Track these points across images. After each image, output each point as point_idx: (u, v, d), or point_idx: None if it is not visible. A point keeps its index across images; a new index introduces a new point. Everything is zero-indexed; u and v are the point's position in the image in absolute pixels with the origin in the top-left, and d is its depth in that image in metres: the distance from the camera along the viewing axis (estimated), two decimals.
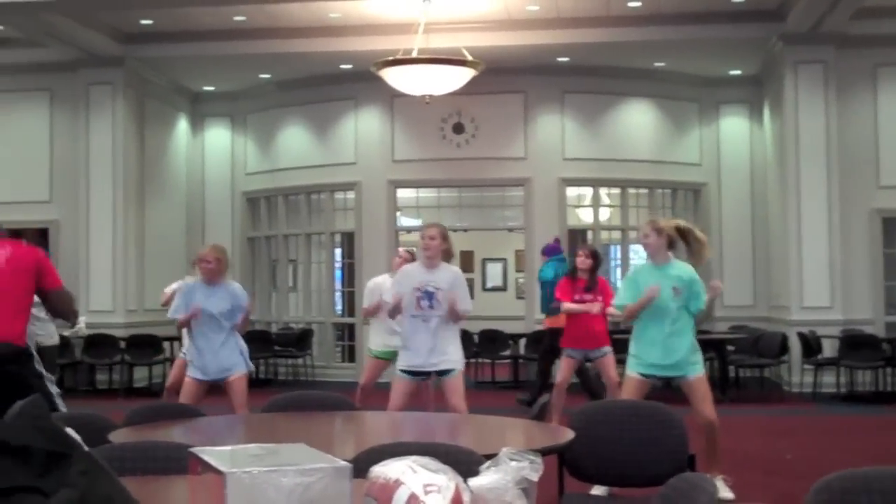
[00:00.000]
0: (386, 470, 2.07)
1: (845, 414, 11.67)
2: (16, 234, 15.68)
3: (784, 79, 13.57)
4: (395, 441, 4.42)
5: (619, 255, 16.20)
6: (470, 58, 11.80)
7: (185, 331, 8.28)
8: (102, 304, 14.27)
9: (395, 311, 7.18)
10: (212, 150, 16.63)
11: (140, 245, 14.88)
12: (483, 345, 14.51)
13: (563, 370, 9.59)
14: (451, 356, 7.10)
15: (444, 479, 2.06)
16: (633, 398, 6.62)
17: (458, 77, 11.91)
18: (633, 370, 6.84)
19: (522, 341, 14.69)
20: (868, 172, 13.90)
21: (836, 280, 13.39)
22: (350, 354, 15.89)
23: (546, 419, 5.47)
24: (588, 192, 15.67)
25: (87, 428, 3.47)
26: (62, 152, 14.96)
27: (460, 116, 14.98)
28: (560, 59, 14.45)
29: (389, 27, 13.08)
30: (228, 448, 2.12)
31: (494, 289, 20.97)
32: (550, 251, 12.58)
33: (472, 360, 14.47)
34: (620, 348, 8.89)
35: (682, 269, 6.94)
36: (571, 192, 15.50)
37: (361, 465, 2.17)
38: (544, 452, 3.06)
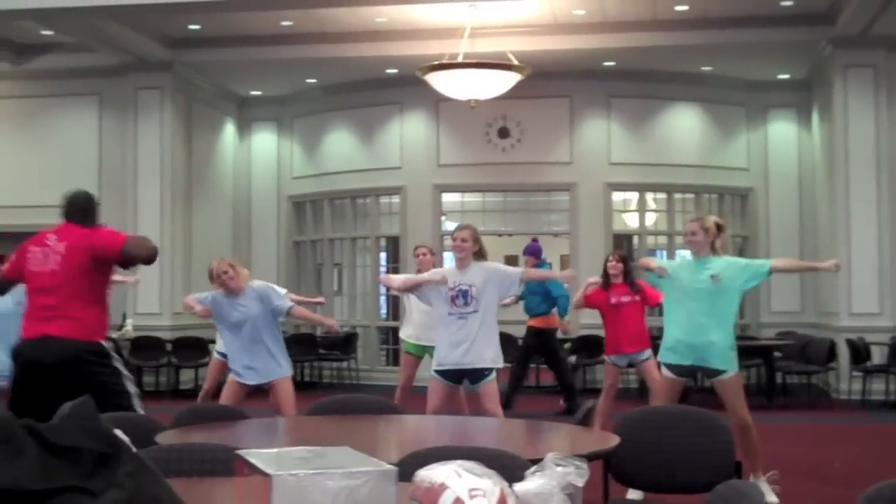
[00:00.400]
0: (431, 474, 2.07)
1: (895, 422, 11.53)
2: None
3: (833, 83, 13.44)
4: (440, 445, 4.42)
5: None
6: (515, 62, 11.79)
7: (218, 331, 8.35)
8: (149, 307, 14.39)
9: (411, 286, 7.29)
10: (258, 154, 16.73)
11: (187, 248, 14.99)
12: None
13: (608, 376, 9.51)
14: (488, 356, 7.02)
15: (489, 484, 2.06)
16: (664, 399, 6.65)
17: (504, 81, 11.89)
18: (661, 360, 6.93)
19: (567, 346, 14.62)
20: None
21: (886, 286, 13.24)
22: (394, 358, 15.90)
23: (590, 424, 5.44)
24: (634, 196, 15.59)
25: (134, 429, 3.50)
26: (111, 156, 15.11)
27: (506, 121, 14.97)
28: (606, 64, 14.40)
29: (435, 32, 13.10)
30: (274, 450, 2.13)
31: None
32: (537, 252, 12.52)
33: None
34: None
35: (721, 260, 6.95)
36: (617, 196, 15.43)
37: (406, 469, 2.17)
38: (589, 458, 3.04)
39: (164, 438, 4.29)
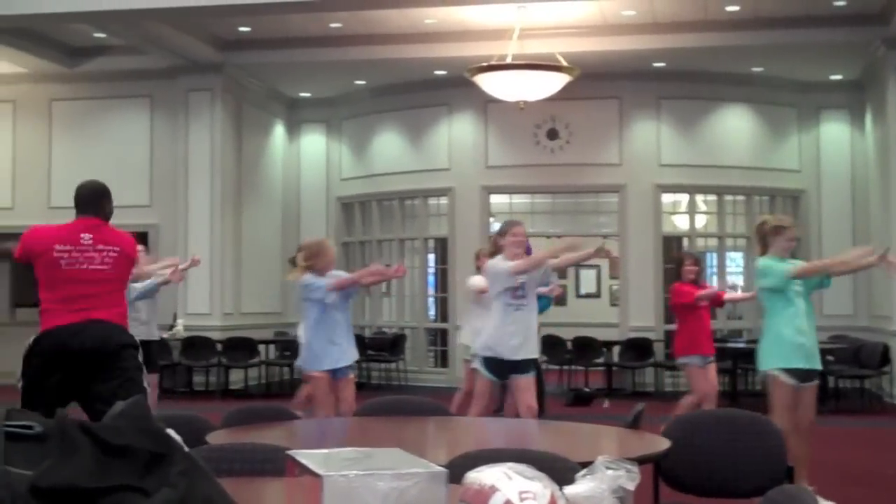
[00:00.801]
0: (481, 476, 2.06)
1: None
2: None
3: (887, 83, 13.26)
4: (488, 447, 4.41)
5: (715, 262, 15.97)
6: (565, 63, 11.76)
7: (301, 328, 8.30)
8: (200, 307, 14.51)
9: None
10: (307, 155, 16.82)
11: (236, 249, 15.10)
12: (576, 352, 14.43)
13: (704, 379, 9.20)
14: (535, 347, 7.28)
15: (539, 487, 2.05)
16: (788, 409, 6.51)
17: (553, 83, 11.86)
18: (783, 366, 6.67)
19: (616, 349, 14.58)
20: None
21: None
22: (443, 359, 15.92)
23: (640, 427, 5.41)
24: (684, 198, 15.50)
25: (185, 428, 3.52)
26: (162, 157, 15.25)
27: (554, 122, 14.93)
28: (656, 65, 14.33)
29: (484, 33, 13.09)
30: (324, 451, 2.14)
31: (588, 296, 20.86)
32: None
33: (565, 368, 14.43)
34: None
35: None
36: (667, 198, 15.35)
37: (456, 471, 2.16)
38: (640, 461, 3.02)
39: (215, 438, 4.31)
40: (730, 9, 12.57)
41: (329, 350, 7.40)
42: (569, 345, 14.36)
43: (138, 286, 8.40)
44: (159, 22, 12.84)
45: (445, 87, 14.98)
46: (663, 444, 4.36)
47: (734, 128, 15.15)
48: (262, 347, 14.63)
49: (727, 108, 15.13)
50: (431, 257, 16.69)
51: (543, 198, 15.83)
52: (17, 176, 15.18)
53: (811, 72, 14.73)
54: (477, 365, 7.28)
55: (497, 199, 15.71)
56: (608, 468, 2.22)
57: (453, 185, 15.32)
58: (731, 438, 4.70)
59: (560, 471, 2.59)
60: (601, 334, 14.96)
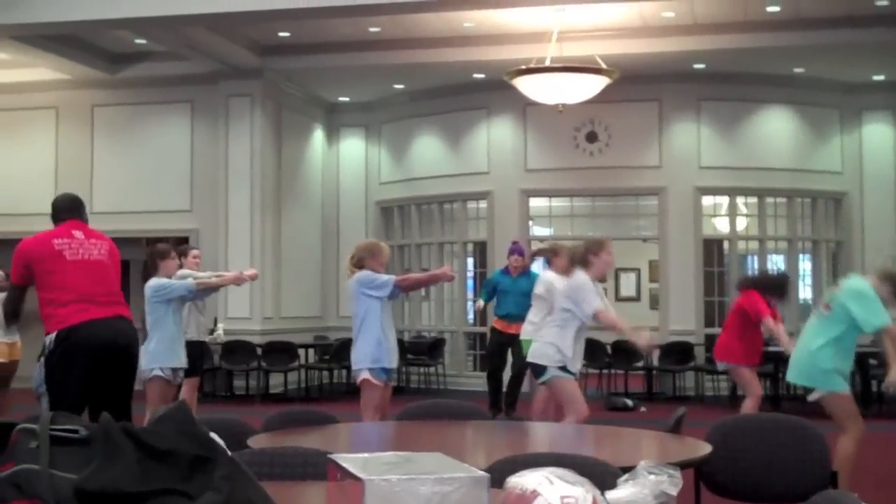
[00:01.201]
0: (522, 480, 2.05)
1: None
2: (157, 242, 16.15)
3: None
4: (528, 451, 4.39)
5: (755, 265, 15.86)
6: (604, 65, 11.72)
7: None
8: (240, 312, 14.58)
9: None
10: (346, 159, 16.86)
11: (276, 253, 15.17)
12: (616, 356, 14.36)
13: (756, 383, 9.14)
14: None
15: (581, 492, 2.04)
16: (856, 414, 6.60)
17: (592, 85, 11.84)
18: (843, 388, 6.76)
19: (656, 353, 14.47)
20: None
21: None
22: (481, 363, 15.89)
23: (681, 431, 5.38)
24: (724, 200, 15.39)
25: (226, 432, 3.54)
26: (202, 162, 15.34)
27: (594, 125, 14.89)
28: (696, 66, 14.25)
29: (523, 36, 13.08)
30: (365, 455, 2.14)
31: (627, 299, 20.75)
32: (522, 250, 12.15)
33: (605, 371, 14.37)
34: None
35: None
36: (707, 201, 15.25)
37: (496, 475, 2.16)
38: (681, 466, 3.00)
39: (256, 442, 4.33)
40: (770, 9, 12.48)
41: (386, 349, 7.31)
42: (608, 349, 14.29)
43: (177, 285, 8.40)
44: (200, 28, 12.92)
45: (484, 91, 14.98)
46: (705, 448, 4.33)
47: (775, 129, 15.03)
48: (301, 351, 14.67)
49: (768, 110, 15.02)
50: (470, 261, 16.68)
51: (583, 201, 15.78)
52: (59, 181, 15.31)
53: (853, 72, 14.59)
54: (559, 371, 7.20)
55: (536, 203, 15.68)
56: (650, 473, 2.21)
57: (492, 189, 15.31)
58: (773, 443, 4.67)
59: (601, 475, 2.58)
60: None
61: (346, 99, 16.52)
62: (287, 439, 4.49)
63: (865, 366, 12.53)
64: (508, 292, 11.65)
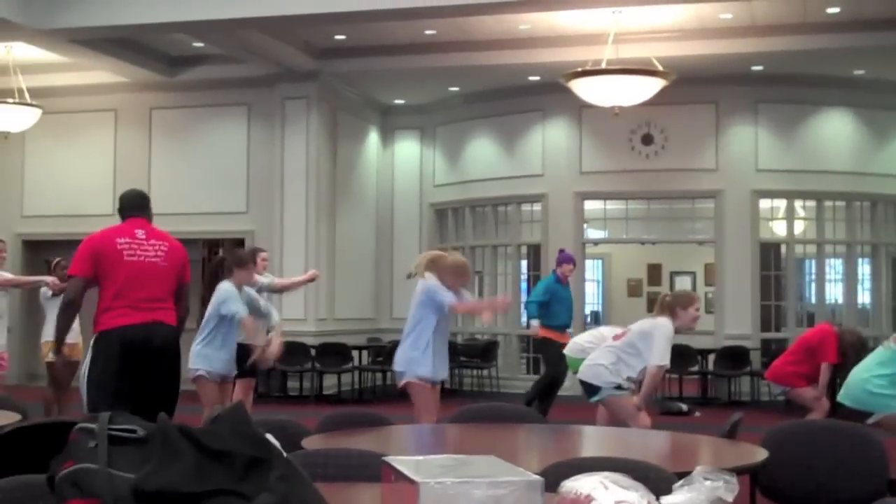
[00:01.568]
0: (577, 485, 2.04)
1: None
2: (214, 244, 16.27)
3: None
4: (581, 455, 4.38)
5: (813, 270, 15.67)
6: (660, 68, 11.65)
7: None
8: (295, 313, 14.64)
9: None
10: (401, 162, 16.90)
11: (331, 255, 15.24)
12: (671, 360, 14.21)
13: (822, 401, 9.10)
14: None
15: (636, 497, 2.02)
16: None
17: (648, 87, 11.76)
18: None
19: (711, 357, 14.37)
20: None
21: None
22: (535, 366, 15.85)
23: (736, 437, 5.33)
24: (782, 204, 15.23)
25: (281, 433, 3.56)
26: (258, 165, 15.45)
27: (649, 127, 14.80)
28: (754, 68, 14.11)
29: (579, 38, 13.03)
30: (420, 458, 2.14)
31: None
32: (571, 259, 12.04)
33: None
34: None
35: None
36: (764, 204, 15.09)
37: (550, 479, 2.15)
38: (737, 472, 2.97)
39: (310, 443, 4.35)
40: (830, 10, 12.33)
41: (437, 360, 7.24)
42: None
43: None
44: (256, 31, 13.01)
45: (539, 93, 14.94)
46: (761, 454, 4.29)
47: (834, 132, 14.85)
48: (355, 353, 14.73)
49: (827, 112, 14.84)
50: (524, 263, 16.64)
51: (638, 204, 15.69)
52: (117, 183, 15.47)
53: None
54: (614, 390, 7.20)
55: (591, 206, 15.61)
56: (706, 479, 2.19)
57: (547, 191, 15.27)
58: (830, 450, 4.61)
59: (656, 481, 2.56)
60: (696, 342, 14.73)
61: (402, 101, 16.56)
62: (341, 441, 4.51)
63: None
64: (563, 301, 11.67)
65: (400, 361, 7.22)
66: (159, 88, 15.63)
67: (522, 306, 16.39)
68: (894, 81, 14.62)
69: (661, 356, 6.95)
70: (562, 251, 12.34)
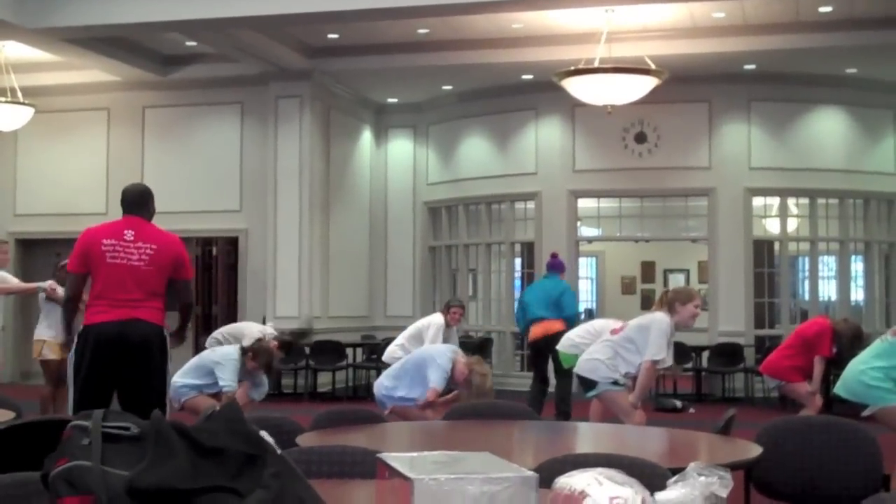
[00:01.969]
0: (571, 481, 2.05)
1: None
2: (208, 242, 16.25)
3: None
4: (576, 452, 4.38)
5: (807, 267, 15.70)
6: (653, 66, 11.65)
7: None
8: (288, 311, 14.66)
9: None
10: (395, 160, 16.90)
11: (324, 253, 15.23)
12: (673, 358, 14.23)
13: (816, 397, 9.10)
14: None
15: (630, 493, 2.03)
16: None
17: (641, 86, 11.76)
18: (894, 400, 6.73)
19: (705, 354, 14.39)
20: None
21: None
22: (528, 364, 15.84)
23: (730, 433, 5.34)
24: (775, 201, 15.26)
25: (276, 430, 3.56)
26: (252, 163, 15.44)
27: (643, 126, 14.81)
28: (746, 67, 14.12)
29: (571, 37, 13.03)
30: (414, 454, 2.14)
31: None
32: (561, 266, 12.07)
33: None
34: None
35: None
36: (757, 201, 15.11)
37: (545, 475, 2.15)
38: (731, 467, 2.98)
39: (305, 440, 4.35)
40: (822, 9, 12.34)
41: None
42: None
43: None
44: (249, 30, 13.00)
45: (533, 92, 14.94)
46: (755, 450, 4.30)
47: (827, 130, 14.88)
48: (349, 351, 14.73)
49: (820, 111, 14.87)
50: (518, 261, 16.65)
51: (632, 202, 15.69)
52: (110, 182, 15.47)
53: None
54: (611, 385, 7.19)
55: (585, 204, 15.63)
56: (700, 474, 2.19)
57: (540, 190, 15.27)
58: (825, 445, 4.62)
59: (650, 477, 2.57)
60: (690, 339, 14.74)
61: (395, 100, 16.55)
62: (335, 438, 4.51)
63: None
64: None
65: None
66: (152, 87, 15.61)
67: (516, 304, 16.41)
68: (886, 80, 14.65)
69: (655, 351, 6.94)
70: (554, 256, 12.38)
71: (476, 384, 7.20)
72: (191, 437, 1.74)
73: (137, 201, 6.32)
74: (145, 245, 6.05)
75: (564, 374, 11.24)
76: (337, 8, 11.62)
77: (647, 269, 21.02)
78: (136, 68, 14.86)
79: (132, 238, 6.05)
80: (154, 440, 1.74)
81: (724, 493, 2.18)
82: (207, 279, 15.68)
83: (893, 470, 4.92)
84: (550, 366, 11.47)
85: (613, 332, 7.56)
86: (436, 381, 7.27)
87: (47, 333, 9.83)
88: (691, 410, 12.74)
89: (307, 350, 14.14)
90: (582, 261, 17.33)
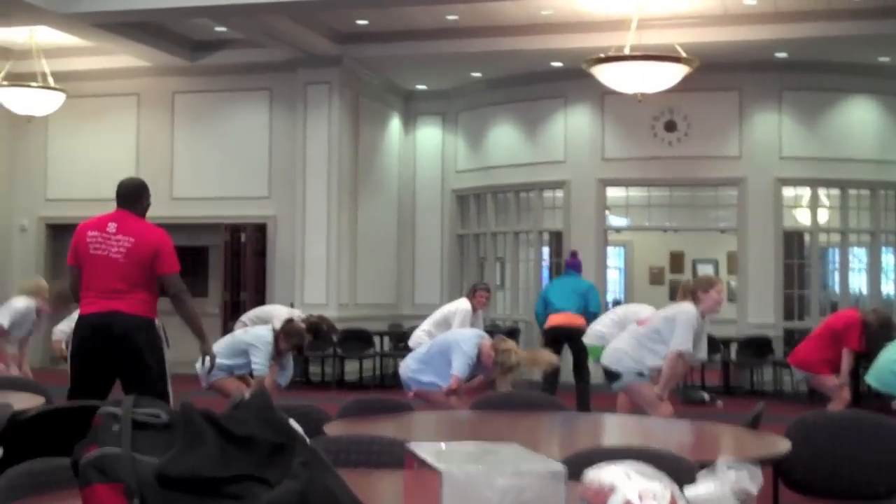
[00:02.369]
0: (600, 475, 2.04)
1: None
2: (236, 228, 16.30)
3: None
4: (603, 444, 4.37)
5: (837, 259, 15.58)
6: (683, 54, 11.58)
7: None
8: (316, 298, 14.67)
9: None
10: (423, 147, 16.89)
11: (352, 240, 15.24)
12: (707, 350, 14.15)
13: (845, 391, 9.05)
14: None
15: (659, 487, 2.02)
16: None
17: (672, 74, 11.69)
18: None
19: (734, 346, 14.29)
20: None
21: None
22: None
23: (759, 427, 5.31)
24: (806, 192, 15.13)
25: (303, 419, 3.56)
26: (280, 150, 15.47)
27: (672, 114, 14.72)
28: (778, 55, 14.01)
29: (601, 24, 12.97)
30: (443, 445, 2.13)
31: None
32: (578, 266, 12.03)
33: None
34: None
35: None
36: (788, 192, 15.00)
37: (573, 468, 2.14)
38: (760, 462, 2.96)
39: (332, 429, 4.36)
40: None
41: None
42: None
43: None
44: (279, 15, 13.01)
45: (562, 79, 14.88)
46: (784, 445, 4.27)
47: (859, 119, 14.75)
48: (376, 339, 14.74)
49: (852, 100, 14.74)
50: (546, 250, 16.61)
51: (661, 191, 15.62)
52: (140, 167, 15.53)
53: None
54: (636, 376, 7.17)
55: (613, 192, 15.56)
56: (730, 469, 2.17)
57: (569, 178, 15.22)
58: (854, 440, 4.58)
59: (679, 471, 2.55)
60: (718, 331, 14.65)
61: (424, 87, 16.53)
62: (363, 427, 4.51)
63: None
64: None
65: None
66: (182, 73, 15.66)
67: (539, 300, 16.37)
68: None
69: (681, 341, 6.91)
70: (574, 255, 12.37)
71: (501, 361, 7.17)
72: (220, 425, 1.74)
73: (130, 195, 6.35)
74: (124, 238, 6.09)
75: (581, 377, 11.24)
76: None
77: (676, 260, 20.93)
78: (166, 53, 14.91)
79: (114, 231, 6.11)
80: (183, 428, 1.74)
81: (753, 489, 2.16)
82: (236, 266, 15.72)
83: None
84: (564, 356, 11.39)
85: (639, 322, 7.53)
86: (458, 367, 7.26)
87: (66, 326, 9.97)
88: (719, 403, 12.66)
89: (334, 338, 14.16)
90: (610, 250, 17.26)
